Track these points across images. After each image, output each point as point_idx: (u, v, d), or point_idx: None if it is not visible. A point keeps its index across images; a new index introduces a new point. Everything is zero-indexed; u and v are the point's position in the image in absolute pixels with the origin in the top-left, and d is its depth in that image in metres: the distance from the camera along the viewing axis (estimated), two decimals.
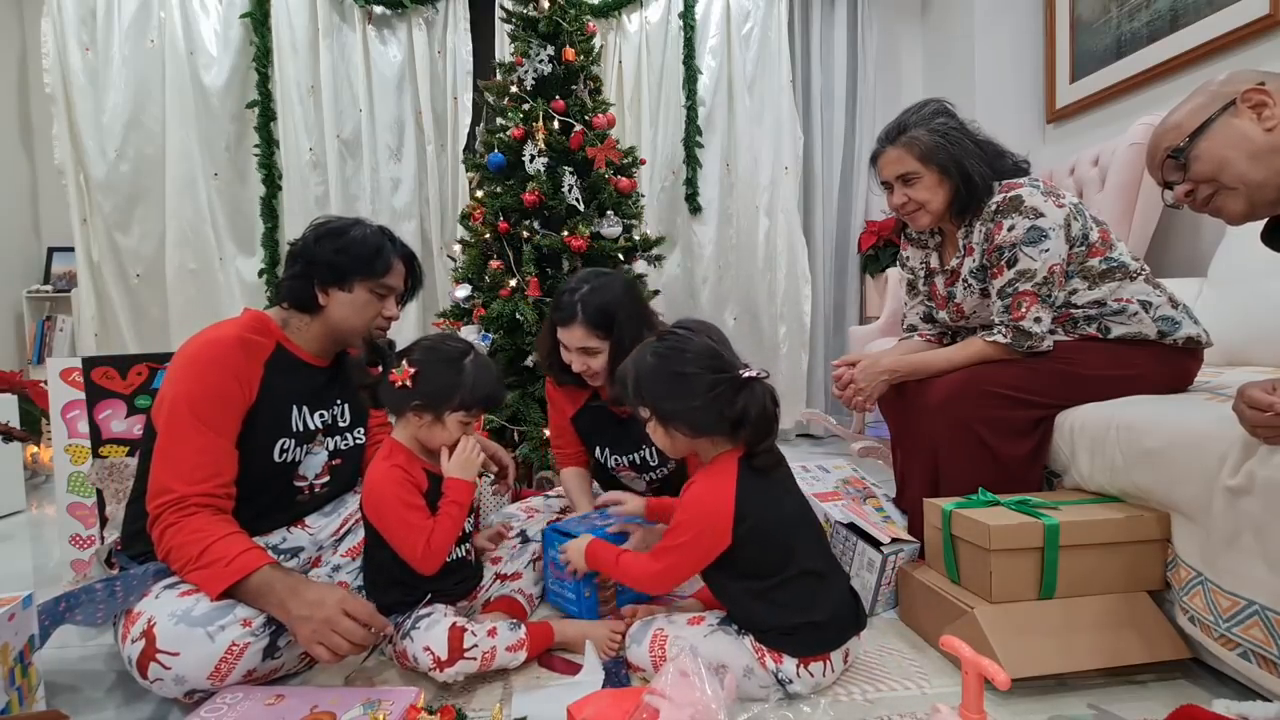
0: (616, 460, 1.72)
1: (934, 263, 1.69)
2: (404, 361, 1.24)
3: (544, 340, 1.66)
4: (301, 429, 1.34)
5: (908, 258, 1.76)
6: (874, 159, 1.59)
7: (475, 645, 1.15)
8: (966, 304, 1.60)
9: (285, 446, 1.31)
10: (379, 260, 1.35)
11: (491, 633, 1.18)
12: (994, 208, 1.48)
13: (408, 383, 1.23)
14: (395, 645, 1.20)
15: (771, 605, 1.11)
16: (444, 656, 1.13)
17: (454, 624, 1.16)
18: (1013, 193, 1.46)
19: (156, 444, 1.21)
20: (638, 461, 1.72)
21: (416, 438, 1.28)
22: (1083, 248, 1.47)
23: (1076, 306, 1.49)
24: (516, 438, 2.42)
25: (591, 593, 1.38)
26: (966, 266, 1.56)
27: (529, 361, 2.42)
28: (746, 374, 1.10)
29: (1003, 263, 1.47)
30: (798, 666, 1.11)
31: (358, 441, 1.48)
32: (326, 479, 1.41)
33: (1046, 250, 1.43)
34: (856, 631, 1.18)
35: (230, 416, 1.23)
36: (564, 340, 1.56)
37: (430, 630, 1.16)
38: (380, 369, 1.30)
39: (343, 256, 1.32)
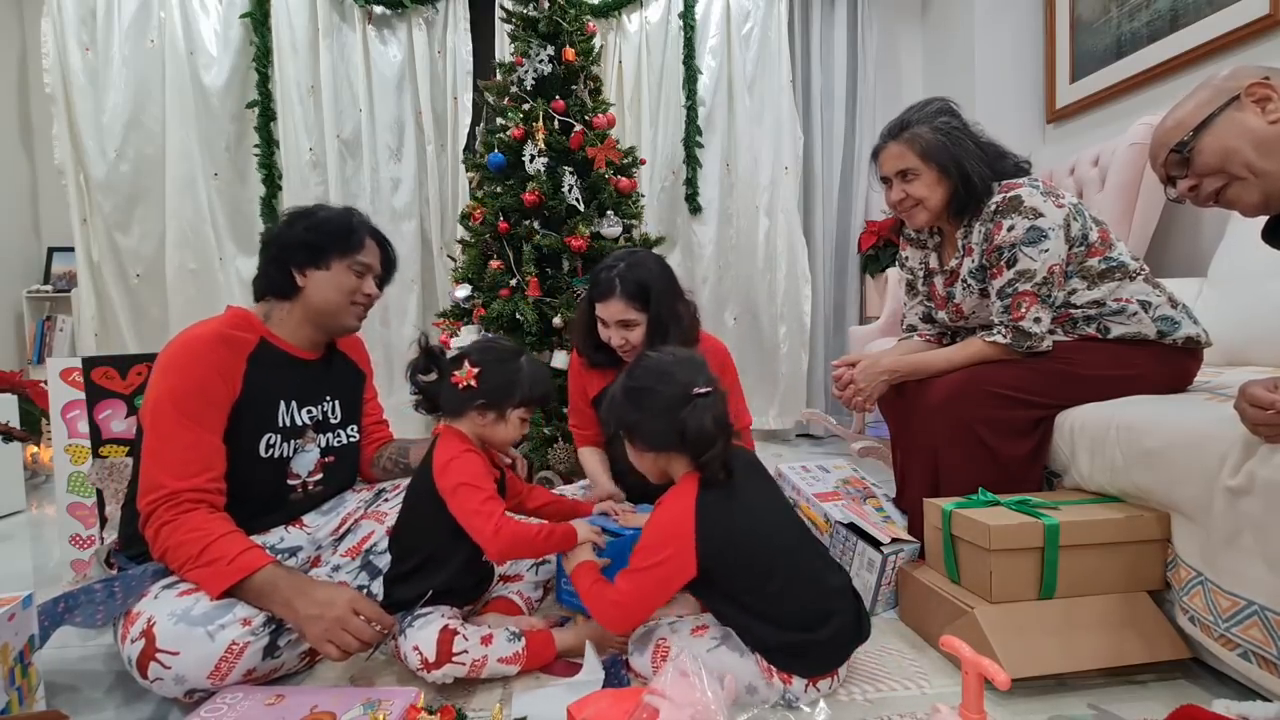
0: None
1: (933, 263, 1.69)
2: (465, 362, 1.26)
3: (579, 321, 1.72)
4: (289, 424, 1.34)
5: (907, 258, 1.76)
6: (875, 154, 1.60)
7: (465, 651, 1.14)
8: (966, 304, 1.60)
9: (271, 442, 1.31)
10: (353, 236, 1.37)
11: (486, 640, 1.17)
12: (993, 208, 1.48)
13: (472, 383, 1.25)
14: (395, 641, 1.20)
15: (769, 623, 1.10)
16: (431, 658, 1.13)
17: (445, 626, 1.16)
18: (1012, 193, 1.46)
19: (144, 443, 1.20)
20: None
21: (479, 436, 1.30)
22: (1082, 248, 1.47)
23: (1076, 306, 1.49)
24: None
25: None
26: (966, 267, 1.56)
27: None
28: (696, 390, 1.11)
29: (1002, 263, 1.47)
30: (807, 686, 1.10)
31: (351, 439, 1.48)
32: (319, 477, 1.41)
33: (1046, 250, 1.43)
34: (860, 642, 1.16)
35: (215, 412, 1.23)
36: (603, 316, 1.61)
37: (422, 630, 1.16)
38: (423, 374, 1.30)
39: (315, 234, 1.34)
